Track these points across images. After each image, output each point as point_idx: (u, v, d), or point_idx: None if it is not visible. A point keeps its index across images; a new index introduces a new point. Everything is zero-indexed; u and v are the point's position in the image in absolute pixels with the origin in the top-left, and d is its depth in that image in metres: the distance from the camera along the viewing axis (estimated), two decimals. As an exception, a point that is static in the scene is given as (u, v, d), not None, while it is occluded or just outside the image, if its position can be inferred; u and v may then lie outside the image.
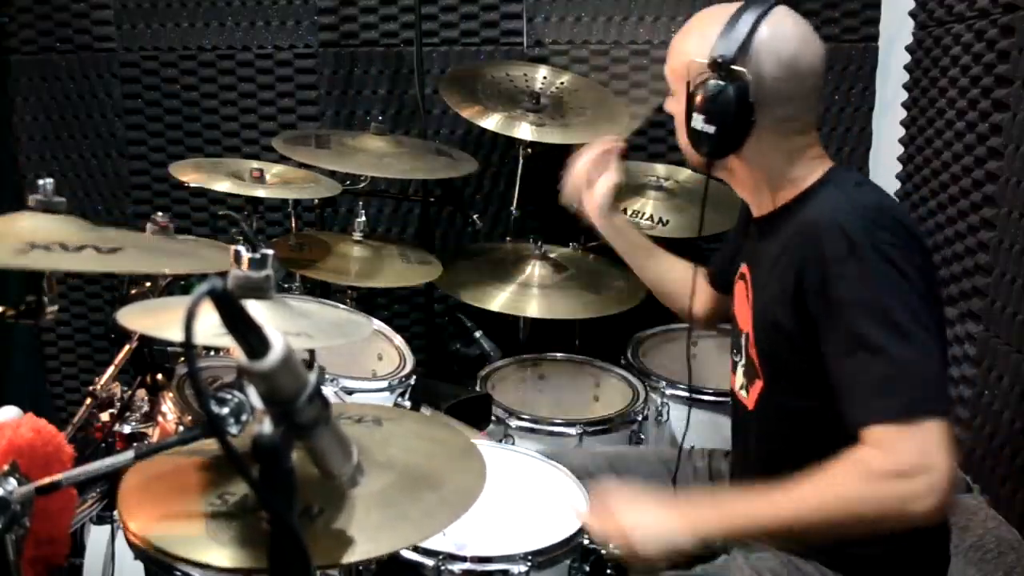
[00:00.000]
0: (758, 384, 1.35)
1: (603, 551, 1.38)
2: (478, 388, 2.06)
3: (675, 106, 1.39)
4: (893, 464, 1.09)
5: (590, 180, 1.70)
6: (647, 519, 1.21)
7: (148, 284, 1.75)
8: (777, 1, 1.29)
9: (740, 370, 1.43)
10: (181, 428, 1.53)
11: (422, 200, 2.78)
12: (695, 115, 1.29)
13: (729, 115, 1.25)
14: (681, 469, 1.61)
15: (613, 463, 1.65)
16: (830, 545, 1.29)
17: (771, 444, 1.37)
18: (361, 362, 2.04)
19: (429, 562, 1.30)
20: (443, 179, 2.78)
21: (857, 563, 1.29)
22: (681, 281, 1.69)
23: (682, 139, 1.39)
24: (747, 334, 1.38)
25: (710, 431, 1.95)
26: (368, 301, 2.64)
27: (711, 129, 1.27)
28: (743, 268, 1.43)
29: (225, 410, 0.82)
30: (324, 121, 2.82)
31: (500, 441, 1.90)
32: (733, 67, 1.23)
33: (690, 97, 1.30)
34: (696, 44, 1.30)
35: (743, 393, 1.42)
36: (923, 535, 1.31)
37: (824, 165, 1.33)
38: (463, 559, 1.31)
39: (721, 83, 1.24)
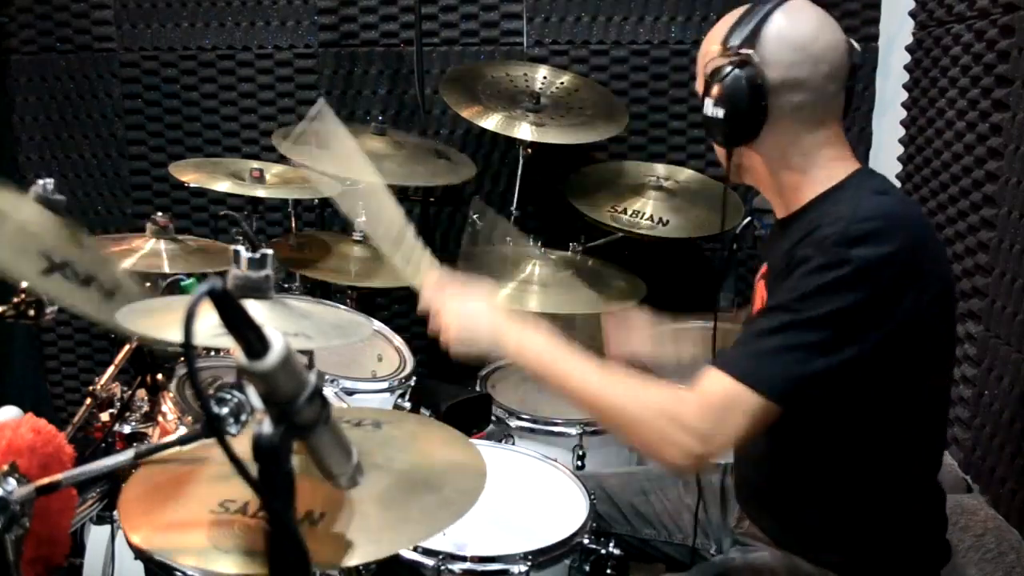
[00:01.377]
0: None
1: (603, 551, 1.38)
2: (478, 388, 2.06)
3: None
4: (696, 418, 1.13)
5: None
6: (477, 311, 1.36)
7: (148, 284, 1.75)
8: None
9: None
10: (181, 428, 1.53)
11: (422, 200, 2.78)
12: (706, 100, 1.28)
13: (739, 99, 1.24)
14: (666, 484, 1.61)
15: (603, 483, 1.63)
16: (828, 543, 1.30)
17: (775, 446, 1.37)
18: (361, 363, 2.04)
19: (429, 562, 1.30)
20: (443, 180, 2.79)
21: (854, 561, 1.29)
22: None
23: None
24: None
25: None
26: (368, 301, 2.63)
27: (719, 113, 1.26)
28: (763, 268, 1.42)
29: (225, 410, 0.83)
30: (324, 121, 2.81)
31: (500, 441, 1.90)
32: (741, 51, 1.23)
33: (705, 86, 1.30)
34: (714, 37, 1.31)
35: None
36: (919, 533, 1.32)
37: (846, 166, 1.31)
38: (463, 559, 1.32)
39: (728, 67, 1.24)
